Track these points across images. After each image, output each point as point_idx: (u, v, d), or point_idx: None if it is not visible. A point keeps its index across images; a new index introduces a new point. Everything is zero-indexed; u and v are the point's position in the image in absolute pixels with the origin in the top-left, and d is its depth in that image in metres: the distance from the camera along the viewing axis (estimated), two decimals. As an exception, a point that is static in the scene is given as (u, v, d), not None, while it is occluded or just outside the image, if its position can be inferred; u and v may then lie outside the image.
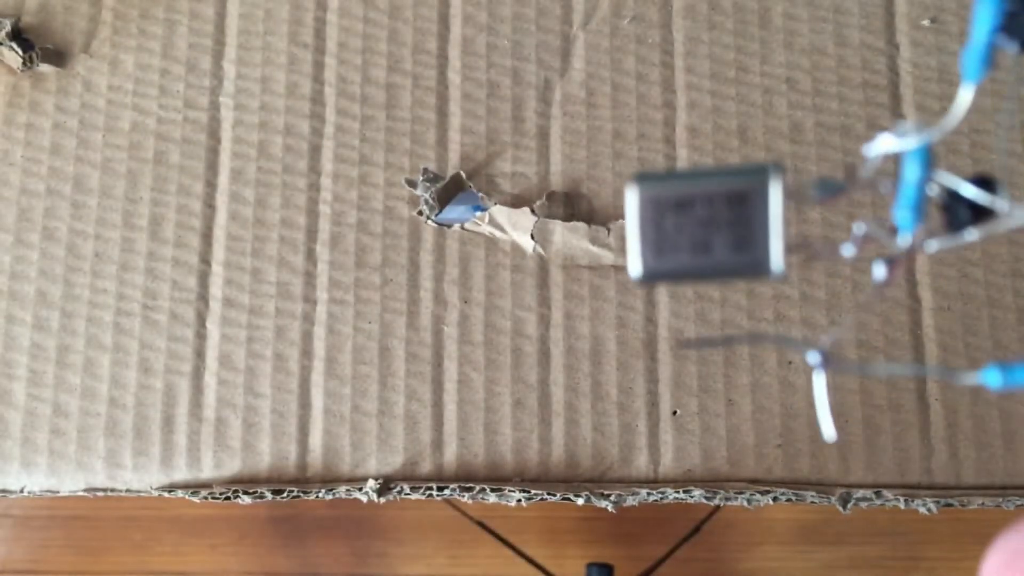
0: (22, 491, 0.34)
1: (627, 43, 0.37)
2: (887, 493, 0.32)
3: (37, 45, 0.37)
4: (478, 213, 0.35)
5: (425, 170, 0.35)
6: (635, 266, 0.13)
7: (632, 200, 0.12)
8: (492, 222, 0.35)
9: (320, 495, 0.33)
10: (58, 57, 0.37)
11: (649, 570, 0.52)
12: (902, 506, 0.32)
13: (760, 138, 0.36)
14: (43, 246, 0.35)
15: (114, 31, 0.37)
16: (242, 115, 0.36)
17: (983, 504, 0.33)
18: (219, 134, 0.36)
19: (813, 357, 0.13)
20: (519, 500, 0.33)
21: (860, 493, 0.32)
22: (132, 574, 0.56)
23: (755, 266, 0.13)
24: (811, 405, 0.34)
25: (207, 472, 0.34)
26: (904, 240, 0.12)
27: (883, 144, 0.12)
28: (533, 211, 0.35)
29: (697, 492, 0.33)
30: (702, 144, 0.36)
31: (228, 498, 0.33)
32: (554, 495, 0.32)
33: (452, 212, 0.35)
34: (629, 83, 0.36)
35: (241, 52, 0.37)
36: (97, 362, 0.34)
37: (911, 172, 0.12)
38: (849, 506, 0.32)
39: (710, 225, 0.12)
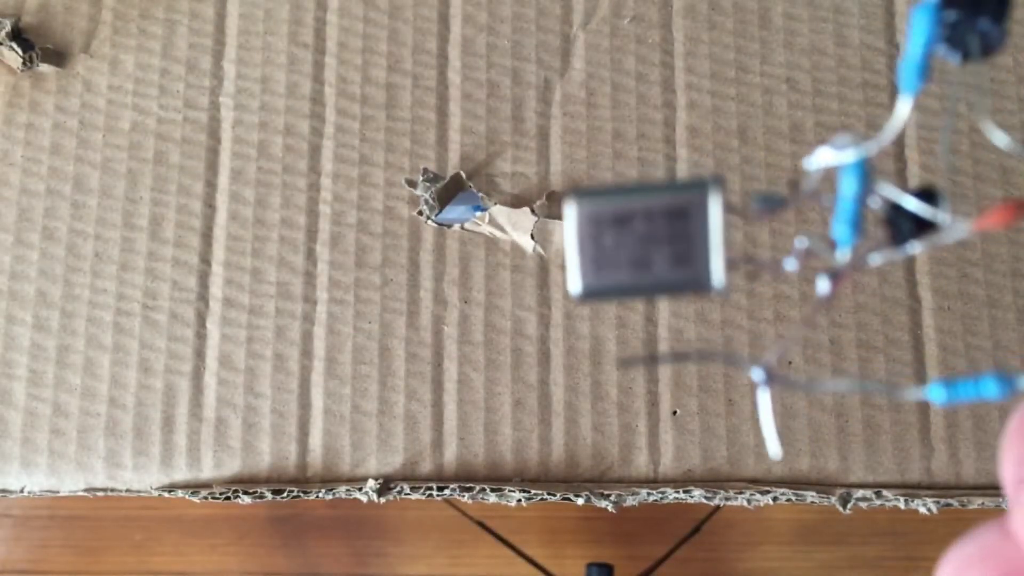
0: (22, 491, 0.34)
1: (627, 43, 0.37)
2: (887, 493, 0.32)
3: (37, 45, 0.37)
4: (478, 213, 0.35)
5: (425, 170, 0.35)
6: (575, 284, 0.13)
7: (570, 217, 0.12)
8: (492, 222, 0.35)
9: (320, 495, 0.33)
10: (58, 57, 0.37)
11: (649, 570, 0.52)
12: (902, 506, 0.32)
13: (760, 138, 0.36)
14: (43, 246, 0.35)
15: (114, 31, 0.37)
16: (242, 115, 0.36)
17: (983, 504, 0.33)
18: (219, 134, 0.36)
19: (757, 374, 0.13)
20: (519, 500, 0.33)
21: (860, 493, 0.32)
22: (132, 574, 0.55)
23: (696, 282, 0.12)
24: (811, 405, 0.34)
25: (207, 472, 0.34)
26: (843, 255, 0.12)
27: (822, 158, 0.12)
28: (533, 211, 0.35)
29: (697, 492, 0.33)
30: (702, 144, 0.36)
31: (228, 498, 0.33)
32: (554, 495, 0.32)
33: (452, 212, 0.35)
34: (629, 83, 0.36)
35: (241, 52, 0.37)
36: (97, 362, 0.34)
37: (848, 187, 0.12)
38: (849, 506, 0.32)
39: (650, 241, 0.12)
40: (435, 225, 0.35)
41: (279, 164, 0.36)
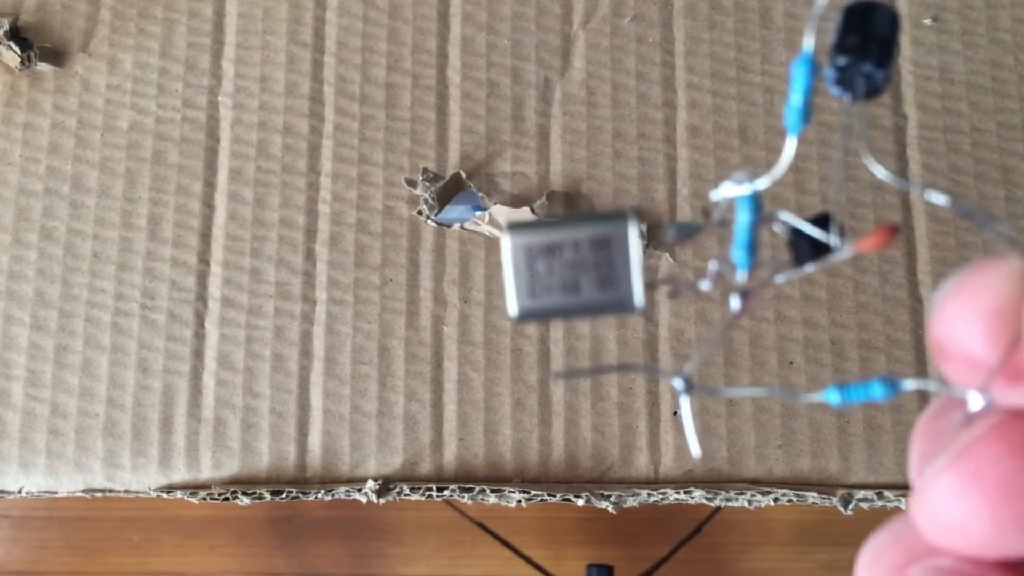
0: (20, 492, 0.34)
1: (628, 42, 0.37)
2: (889, 494, 0.32)
3: (35, 44, 0.37)
4: (478, 213, 0.35)
5: (425, 170, 0.35)
6: (512, 307, 0.14)
7: (506, 248, 0.14)
8: (492, 222, 0.35)
9: (319, 496, 0.33)
10: (56, 56, 0.37)
11: (649, 571, 0.52)
12: (903, 507, 0.32)
13: (761, 137, 0.36)
14: (41, 246, 0.35)
15: (112, 30, 0.37)
16: (241, 114, 0.36)
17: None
18: (218, 133, 0.36)
19: (677, 383, 0.15)
20: (519, 501, 0.32)
21: (861, 494, 0.32)
22: (131, 575, 0.55)
23: (620, 302, 0.14)
24: (812, 405, 0.33)
25: (206, 473, 0.34)
26: (741, 276, 0.14)
27: (725, 191, 0.13)
28: (533, 211, 0.35)
29: (698, 493, 0.32)
30: (703, 144, 0.36)
31: (227, 499, 0.33)
32: (554, 496, 0.32)
33: (452, 212, 0.35)
34: (629, 82, 0.36)
35: (240, 51, 0.37)
36: (95, 362, 0.34)
37: (742, 216, 0.13)
38: (850, 507, 0.32)
39: (578, 267, 0.14)
40: (435, 225, 0.35)
41: (278, 164, 0.36)
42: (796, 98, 0.13)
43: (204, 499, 0.33)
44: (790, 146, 0.13)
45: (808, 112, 0.13)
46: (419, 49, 0.37)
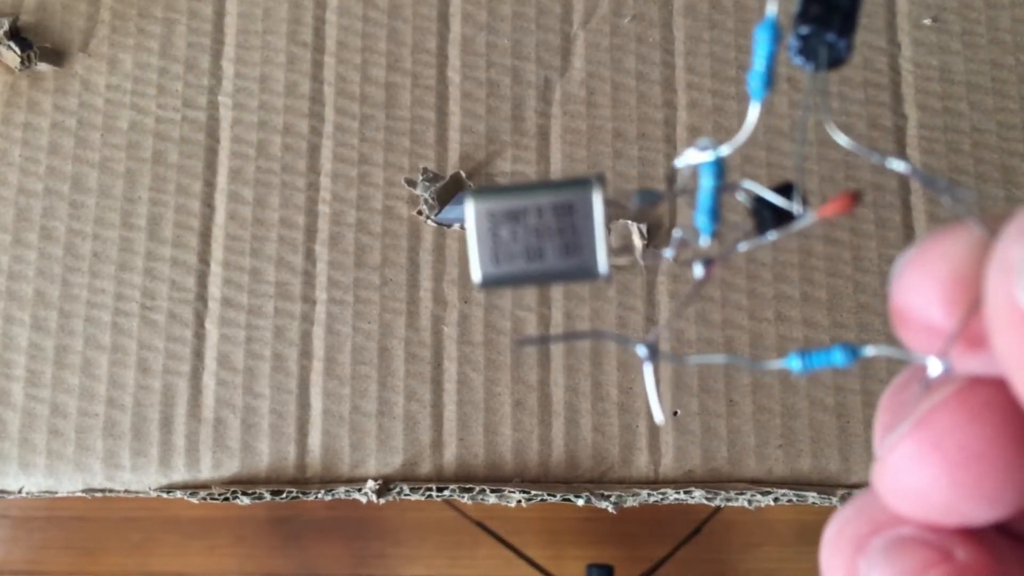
0: (20, 492, 0.34)
1: (627, 42, 0.37)
2: (889, 494, 0.32)
3: (35, 44, 0.37)
4: (478, 213, 0.35)
5: (425, 170, 0.35)
6: (475, 272, 0.14)
7: (469, 213, 0.14)
8: (492, 222, 0.35)
9: (319, 496, 0.33)
10: (56, 56, 0.37)
11: (650, 571, 0.52)
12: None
13: (761, 137, 0.36)
14: (41, 246, 0.35)
15: (112, 30, 0.37)
16: (241, 114, 0.36)
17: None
18: (218, 133, 0.36)
19: (641, 351, 0.15)
20: (519, 501, 0.32)
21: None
22: (131, 575, 0.55)
23: (583, 269, 0.14)
24: (812, 405, 0.33)
25: (206, 473, 0.34)
26: (705, 241, 0.14)
27: (688, 157, 0.14)
28: (533, 211, 0.35)
29: (698, 493, 0.32)
30: (703, 143, 0.36)
31: (227, 499, 0.33)
32: (554, 496, 0.32)
33: (452, 212, 0.35)
34: (630, 82, 0.36)
35: (240, 51, 0.37)
36: (95, 362, 0.34)
37: (706, 182, 0.14)
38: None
39: (542, 234, 0.14)
40: (435, 225, 0.35)
41: (278, 163, 0.36)
42: (759, 63, 0.13)
43: (204, 499, 0.33)
44: (753, 112, 0.13)
45: (770, 78, 0.13)
46: (419, 49, 0.37)
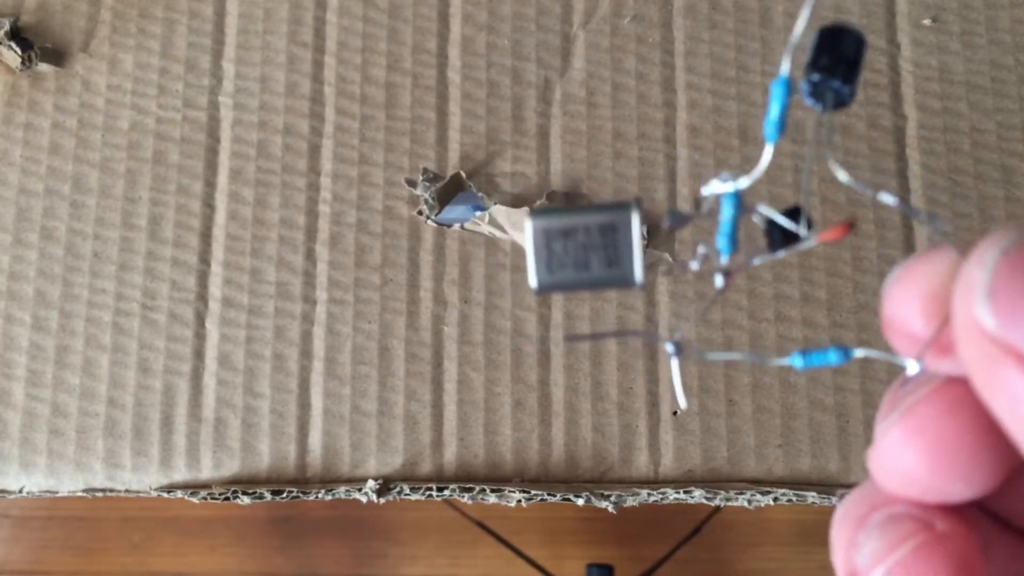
0: (21, 491, 0.34)
1: (627, 42, 0.37)
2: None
3: (36, 44, 0.37)
4: (478, 213, 0.35)
5: (425, 170, 0.35)
6: (532, 280, 0.16)
7: (529, 230, 0.16)
8: (492, 222, 0.35)
9: (320, 496, 0.33)
10: (57, 56, 0.37)
11: (649, 571, 0.52)
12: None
13: (760, 137, 0.36)
14: (42, 246, 0.35)
15: (113, 30, 0.37)
16: (241, 114, 0.36)
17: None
18: (218, 133, 0.36)
19: (669, 347, 0.17)
20: (519, 500, 0.33)
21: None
22: (131, 575, 0.55)
23: (622, 279, 0.16)
24: (812, 405, 0.33)
25: (206, 472, 0.34)
26: (724, 261, 0.16)
27: (713, 187, 0.16)
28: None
29: (698, 492, 0.33)
30: (703, 144, 0.36)
31: (227, 499, 0.33)
32: (554, 495, 0.32)
33: (452, 212, 0.35)
34: (629, 82, 0.36)
35: (240, 51, 0.37)
36: (96, 362, 0.34)
37: (726, 211, 0.16)
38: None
39: (588, 248, 0.16)
40: (435, 225, 0.35)
41: (278, 164, 0.36)
42: (774, 112, 0.16)
43: (204, 499, 0.33)
44: (767, 153, 0.16)
45: (783, 124, 0.16)
46: (419, 49, 0.37)
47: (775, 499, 0.32)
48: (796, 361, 0.16)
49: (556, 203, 0.36)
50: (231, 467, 0.34)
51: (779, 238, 0.16)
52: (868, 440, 0.33)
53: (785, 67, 0.15)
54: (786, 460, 0.33)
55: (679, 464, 0.33)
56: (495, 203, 0.35)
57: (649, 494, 0.33)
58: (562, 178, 0.36)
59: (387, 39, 0.37)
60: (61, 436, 0.34)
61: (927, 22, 0.37)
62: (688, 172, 0.35)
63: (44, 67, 0.37)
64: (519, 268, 0.35)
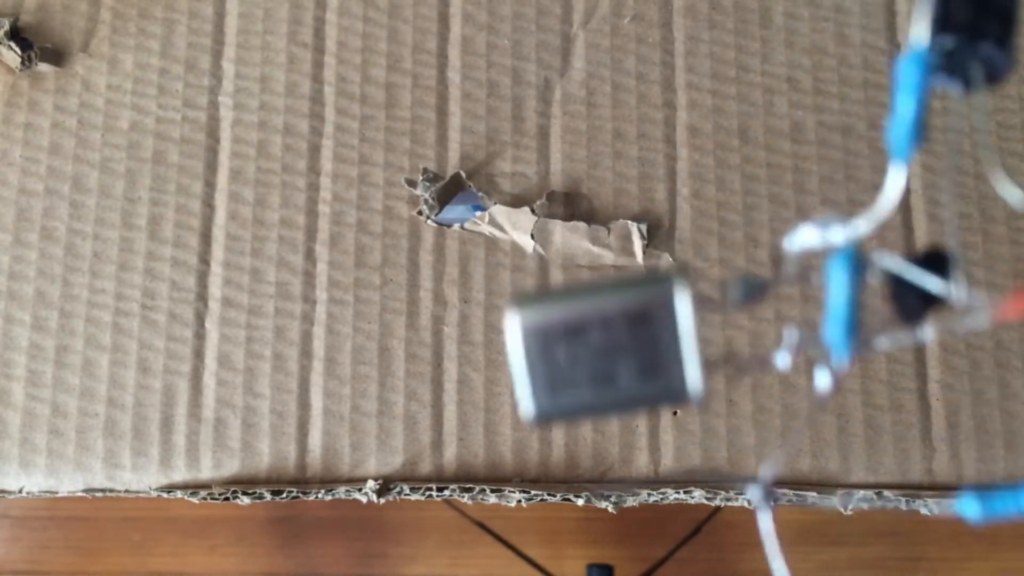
0: (21, 491, 0.34)
1: (627, 42, 0.37)
2: (888, 494, 0.32)
3: (36, 44, 0.37)
4: (478, 213, 0.35)
5: (425, 170, 0.35)
6: (527, 407, 0.11)
7: (513, 331, 0.10)
8: (492, 222, 0.35)
9: (319, 496, 0.33)
10: (57, 56, 0.37)
11: (650, 571, 0.52)
12: (903, 507, 0.32)
13: (761, 138, 0.36)
14: (42, 246, 0.35)
15: (113, 30, 0.37)
16: (241, 114, 0.36)
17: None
18: (218, 133, 0.36)
19: (753, 494, 0.12)
20: (519, 501, 0.32)
21: (861, 494, 0.32)
22: (131, 575, 0.55)
23: (671, 393, 0.11)
24: (812, 405, 0.33)
25: (206, 472, 0.34)
26: (840, 361, 0.10)
27: (805, 238, 0.10)
28: (533, 211, 0.35)
29: (698, 493, 0.33)
30: (703, 144, 0.36)
31: (227, 499, 0.33)
32: (554, 496, 0.32)
33: (452, 212, 0.35)
34: (629, 82, 0.36)
35: (240, 51, 0.37)
36: (96, 362, 0.34)
37: (837, 282, 0.10)
38: (850, 507, 0.32)
39: (611, 352, 0.10)
40: (435, 225, 0.35)
41: (278, 164, 0.36)
42: (905, 108, 0.10)
43: (204, 499, 0.33)
44: (896, 178, 0.10)
45: (922, 128, 0.10)
46: (419, 49, 0.37)
47: (775, 499, 0.32)
48: (971, 510, 0.11)
49: (556, 203, 0.35)
50: (231, 467, 0.34)
51: (916, 305, 0.10)
52: (868, 440, 0.33)
53: (920, 31, 0.09)
54: (786, 460, 0.33)
55: (679, 464, 0.33)
56: (495, 203, 0.35)
57: (649, 494, 0.33)
58: (562, 178, 0.36)
59: (387, 39, 0.37)
60: (61, 436, 0.34)
61: (927, 22, 0.37)
62: (688, 172, 0.35)
63: (44, 67, 0.37)
64: (519, 268, 0.35)
